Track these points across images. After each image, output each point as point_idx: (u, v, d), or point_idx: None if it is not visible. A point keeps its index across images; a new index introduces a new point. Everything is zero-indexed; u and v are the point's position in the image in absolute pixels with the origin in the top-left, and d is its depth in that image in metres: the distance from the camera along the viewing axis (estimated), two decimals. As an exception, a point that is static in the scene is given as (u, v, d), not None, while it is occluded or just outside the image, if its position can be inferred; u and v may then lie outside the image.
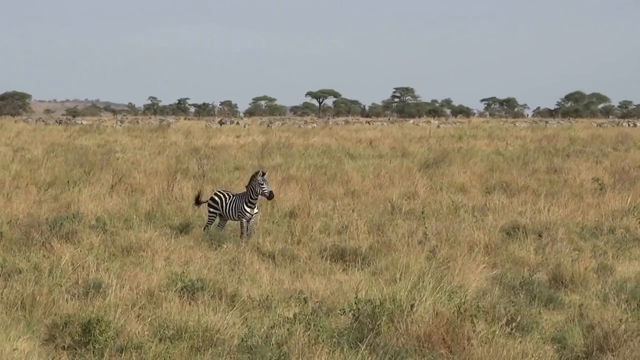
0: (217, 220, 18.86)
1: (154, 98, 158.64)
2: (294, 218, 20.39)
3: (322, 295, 13.41)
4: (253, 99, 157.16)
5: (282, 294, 13.65)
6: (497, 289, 13.86)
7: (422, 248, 16.59)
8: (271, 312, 12.55)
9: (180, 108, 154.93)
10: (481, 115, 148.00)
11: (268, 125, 76.61)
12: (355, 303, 11.50)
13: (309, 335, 10.64)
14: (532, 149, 44.37)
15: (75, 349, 10.96)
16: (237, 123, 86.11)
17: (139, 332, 11.33)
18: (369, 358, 10.46)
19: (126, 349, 10.61)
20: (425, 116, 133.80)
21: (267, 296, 13.28)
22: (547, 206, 21.48)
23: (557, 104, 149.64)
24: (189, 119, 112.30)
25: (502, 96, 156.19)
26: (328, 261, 16.10)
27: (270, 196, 18.51)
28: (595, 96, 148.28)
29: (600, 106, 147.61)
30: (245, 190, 18.68)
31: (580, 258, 15.84)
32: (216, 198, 18.79)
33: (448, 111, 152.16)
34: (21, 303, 12.53)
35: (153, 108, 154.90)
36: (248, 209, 18.38)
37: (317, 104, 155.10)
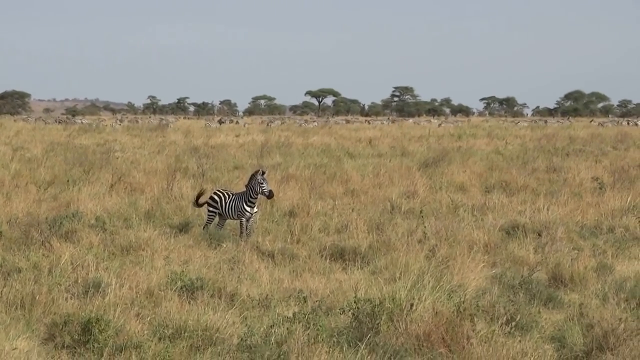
0: (217, 219, 18.87)
1: (154, 97, 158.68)
2: (294, 217, 20.39)
3: (321, 295, 13.41)
4: (252, 98, 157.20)
5: (282, 293, 13.65)
6: (496, 288, 13.86)
7: (422, 247, 16.59)
8: (271, 311, 12.55)
9: (179, 107, 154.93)
10: (480, 114, 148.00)
11: (268, 125, 76.56)
12: (355, 302, 11.50)
13: (308, 334, 10.64)
14: (531, 148, 44.38)
15: (75, 348, 10.97)
16: (237, 122, 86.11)
17: (138, 331, 11.33)
18: (369, 357, 10.46)
19: (126, 348, 10.61)
20: (424, 115, 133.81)
21: (267, 295, 13.28)
22: (546, 205, 21.49)
23: (556, 103, 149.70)
24: (188, 118, 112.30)
25: (501, 95, 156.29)
26: (327, 260, 16.10)
27: (269, 195, 18.52)
28: (594, 95, 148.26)
29: (600, 105, 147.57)
30: (244, 189, 18.69)
31: (580, 257, 15.84)
32: (215, 197, 18.79)
33: (447, 110, 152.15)
34: (21, 302, 12.52)
35: (152, 107, 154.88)
36: (248, 208, 18.38)
37: (316, 103, 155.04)
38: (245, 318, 12.00)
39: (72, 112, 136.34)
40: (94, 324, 10.96)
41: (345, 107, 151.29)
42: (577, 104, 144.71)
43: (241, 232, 18.35)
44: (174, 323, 11.37)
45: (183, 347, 10.75)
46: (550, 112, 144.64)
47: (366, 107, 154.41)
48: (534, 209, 21.18)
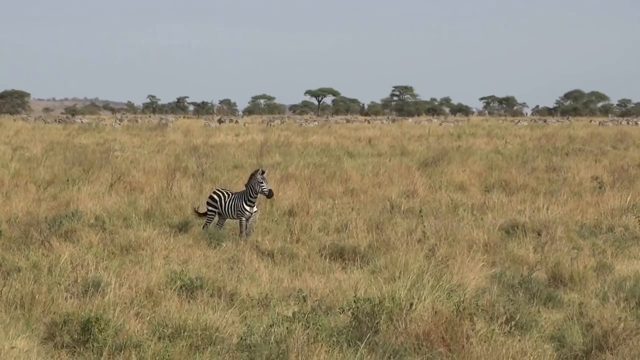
0: (216, 218, 18.87)
1: (153, 96, 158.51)
2: (293, 216, 20.39)
3: (321, 294, 13.41)
4: (252, 98, 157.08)
5: (281, 292, 13.65)
6: (496, 287, 13.87)
7: (421, 246, 16.60)
8: (270, 310, 12.55)
9: (179, 107, 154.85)
10: (480, 113, 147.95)
11: (268, 124, 76.46)
12: (355, 301, 11.50)
13: (308, 333, 10.64)
14: (531, 147, 44.38)
15: (74, 348, 10.97)
16: (236, 122, 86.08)
17: (138, 331, 11.33)
18: (368, 356, 10.46)
19: (125, 347, 10.61)
20: (424, 115, 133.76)
21: (266, 295, 13.29)
22: (546, 205, 21.50)
23: (556, 103, 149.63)
24: (188, 118, 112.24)
25: (501, 95, 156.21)
26: (327, 260, 16.10)
27: (269, 195, 18.52)
28: (594, 95, 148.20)
29: (599, 105, 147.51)
30: (244, 188, 18.69)
31: (579, 256, 15.84)
32: (215, 196, 18.79)
33: (447, 110, 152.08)
34: (20, 301, 12.52)
35: (152, 106, 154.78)
36: (247, 208, 18.38)
37: (316, 102, 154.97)
38: (245, 317, 12.00)
39: (72, 111, 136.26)
40: (93, 324, 10.96)
41: (345, 106, 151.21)
42: (577, 104, 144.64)
43: (241, 232, 18.35)
44: (173, 322, 11.37)
45: (182, 346, 10.75)
46: (550, 112, 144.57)
47: (366, 107, 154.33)
48: (533, 208, 21.18)
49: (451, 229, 18.17)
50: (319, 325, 10.84)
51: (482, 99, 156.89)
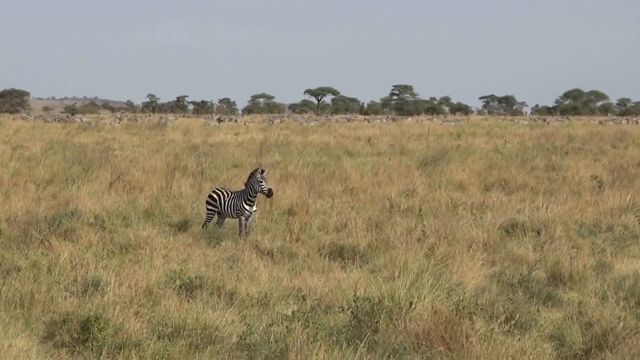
0: (216, 217, 18.86)
1: (153, 96, 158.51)
2: (293, 216, 20.40)
3: (320, 293, 13.41)
4: (251, 97, 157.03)
5: (281, 291, 13.65)
6: (495, 286, 13.87)
7: (421, 246, 16.60)
8: (270, 309, 12.55)
9: (178, 106, 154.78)
10: (480, 113, 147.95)
11: (269, 123, 76.33)
12: (354, 301, 11.50)
13: (307, 332, 10.64)
14: (530, 146, 44.39)
15: (74, 347, 10.97)
16: (236, 120, 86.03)
17: (137, 330, 11.33)
18: (368, 356, 10.46)
19: (125, 346, 10.61)
20: (423, 114, 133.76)
21: (266, 294, 13.29)
22: (545, 204, 21.50)
23: (555, 102, 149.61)
24: (187, 117, 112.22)
25: (500, 94, 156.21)
26: (326, 259, 16.09)
27: (269, 194, 18.51)
28: (593, 94, 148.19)
29: (599, 104, 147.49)
30: (244, 187, 18.69)
31: (579, 256, 15.83)
32: (214, 195, 18.79)
33: (446, 109, 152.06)
34: (20, 301, 12.53)
35: (151, 106, 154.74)
36: (247, 207, 18.38)
37: (315, 101, 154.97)
38: (244, 316, 12.00)
39: (71, 110, 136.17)
40: (93, 323, 10.96)
41: (345, 105, 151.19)
42: (576, 103, 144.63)
43: (240, 231, 18.35)
44: (173, 321, 11.37)
45: (182, 345, 10.75)
46: (549, 111, 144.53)
47: (365, 106, 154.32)
48: (533, 207, 21.18)
49: (450, 228, 18.17)
50: (319, 324, 10.84)
51: (481, 98, 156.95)
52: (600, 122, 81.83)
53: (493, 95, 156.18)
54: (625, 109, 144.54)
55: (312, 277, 14.48)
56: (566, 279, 14.82)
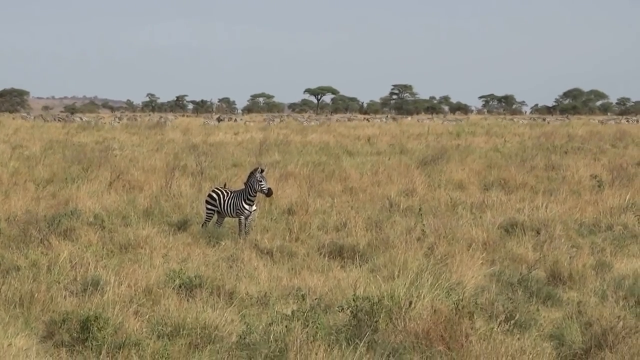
0: (215, 217, 18.86)
1: (152, 95, 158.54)
2: (292, 215, 20.40)
3: (320, 292, 13.40)
4: (251, 96, 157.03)
5: (280, 290, 13.65)
6: (495, 286, 13.87)
7: (420, 245, 16.59)
8: (269, 309, 12.55)
9: (178, 105, 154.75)
10: (479, 112, 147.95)
11: (269, 123, 76.25)
12: (354, 300, 11.49)
13: (307, 332, 10.64)
14: (530, 145, 44.38)
15: (74, 346, 10.97)
16: (235, 120, 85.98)
17: (137, 329, 11.33)
18: (367, 355, 10.46)
19: (124, 345, 10.61)
20: (423, 113, 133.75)
21: (265, 293, 13.29)
22: (545, 203, 21.50)
23: (555, 101, 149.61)
24: (187, 116, 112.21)
25: (500, 93, 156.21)
26: (326, 258, 16.09)
27: (268, 193, 18.51)
28: (593, 93, 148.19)
29: (598, 103, 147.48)
30: (243, 187, 18.68)
31: (579, 255, 15.83)
32: (214, 195, 18.78)
33: (446, 108, 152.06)
34: (19, 300, 12.53)
35: (151, 105, 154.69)
36: (246, 206, 18.38)
37: (315, 100, 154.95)
38: (244, 316, 12.00)
39: (71, 109, 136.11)
40: (92, 322, 10.96)
41: (344, 105, 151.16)
42: (576, 102, 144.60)
43: (240, 230, 18.34)
44: (172, 321, 11.37)
45: (182, 344, 10.75)
46: (549, 110, 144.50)
47: (365, 105, 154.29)
48: (532, 206, 21.18)
49: (450, 228, 18.17)
50: (318, 323, 10.84)
51: (481, 97, 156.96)
52: (601, 122, 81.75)
53: (493, 95, 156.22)
54: (625, 108, 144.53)
55: (311, 276, 14.48)
56: (566, 278, 14.83)
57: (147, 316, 11.93)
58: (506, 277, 14.40)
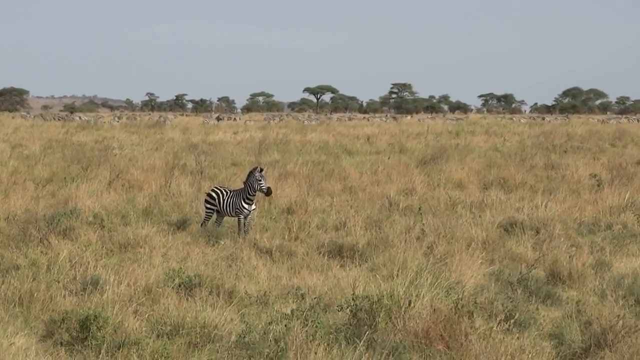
0: (215, 216, 18.86)
1: (152, 94, 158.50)
2: (292, 214, 20.40)
3: (319, 292, 13.41)
4: (251, 95, 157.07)
5: (280, 290, 13.65)
6: (494, 285, 13.88)
7: (420, 244, 16.59)
8: (269, 308, 12.55)
9: (177, 104, 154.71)
10: (479, 111, 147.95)
11: (271, 122, 76.18)
12: (353, 299, 11.50)
13: (306, 331, 10.64)
14: (529, 145, 44.38)
15: (73, 345, 10.97)
16: (235, 119, 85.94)
17: (136, 328, 11.34)
18: (367, 354, 10.45)
19: (124, 345, 10.61)
20: (422, 112, 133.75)
21: (265, 292, 13.29)
22: (544, 202, 21.49)
23: (554, 100, 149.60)
24: (186, 115, 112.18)
25: (499, 92, 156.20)
26: (325, 257, 16.09)
27: (268, 192, 18.51)
28: (592, 92, 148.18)
29: (598, 102, 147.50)
30: (242, 186, 18.68)
31: (578, 254, 15.84)
32: (213, 194, 18.78)
33: (445, 107, 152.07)
34: (19, 299, 12.53)
35: (150, 104, 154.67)
36: (246, 205, 18.38)
37: (314, 100, 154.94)
38: (243, 315, 12.00)
39: (71, 109, 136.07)
40: (92, 321, 10.96)
41: (344, 104, 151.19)
42: (575, 101, 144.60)
43: (239, 229, 18.35)
44: (172, 320, 11.37)
45: (181, 344, 10.75)
46: (548, 109, 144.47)
47: (364, 104, 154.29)
48: (532, 206, 21.18)
49: (450, 227, 18.17)
50: (318, 322, 10.84)
51: (480, 96, 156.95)
52: (602, 121, 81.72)
53: (492, 94, 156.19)
54: (624, 107, 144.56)
55: (311, 275, 14.48)
56: (565, 277, 14.83)
57: (146, 315, 11.93)
58: (505, 276, 14.40)
